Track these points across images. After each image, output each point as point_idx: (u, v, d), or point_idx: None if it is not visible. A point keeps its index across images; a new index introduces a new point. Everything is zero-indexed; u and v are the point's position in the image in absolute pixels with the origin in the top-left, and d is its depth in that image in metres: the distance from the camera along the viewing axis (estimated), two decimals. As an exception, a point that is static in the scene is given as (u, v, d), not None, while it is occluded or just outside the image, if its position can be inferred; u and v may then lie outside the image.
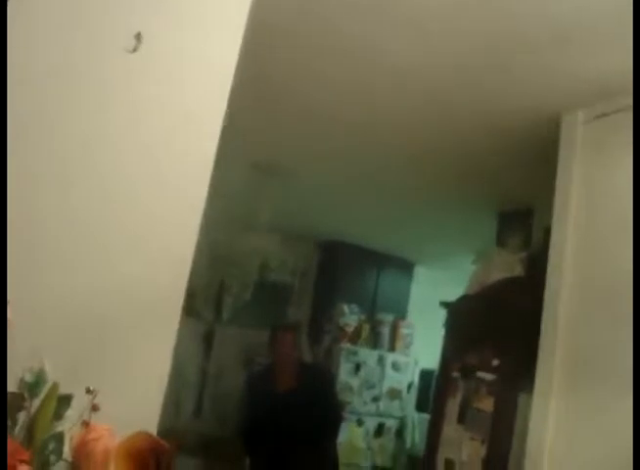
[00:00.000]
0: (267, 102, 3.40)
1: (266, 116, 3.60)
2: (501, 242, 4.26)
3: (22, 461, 0.97)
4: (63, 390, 1.23)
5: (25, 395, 1.20)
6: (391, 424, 6.16)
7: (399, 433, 6.19)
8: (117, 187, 1.50)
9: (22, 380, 1.21)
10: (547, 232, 3.04)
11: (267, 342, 4.50)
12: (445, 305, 4.12)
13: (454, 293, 4.09)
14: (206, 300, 6.11)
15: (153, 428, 1.44)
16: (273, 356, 4.37)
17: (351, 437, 5.78)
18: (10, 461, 0.94)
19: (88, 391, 1.19)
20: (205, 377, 6.05)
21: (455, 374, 3.72)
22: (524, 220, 4.04)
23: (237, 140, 3.72)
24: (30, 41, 1.42)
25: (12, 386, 1.21)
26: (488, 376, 3.45)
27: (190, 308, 5.81)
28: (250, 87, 3.03)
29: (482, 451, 3.35)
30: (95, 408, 1.19)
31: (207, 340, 6.12)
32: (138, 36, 1.50)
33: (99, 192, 1.47)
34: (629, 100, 2.50)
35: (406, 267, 6.84)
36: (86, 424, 1.15)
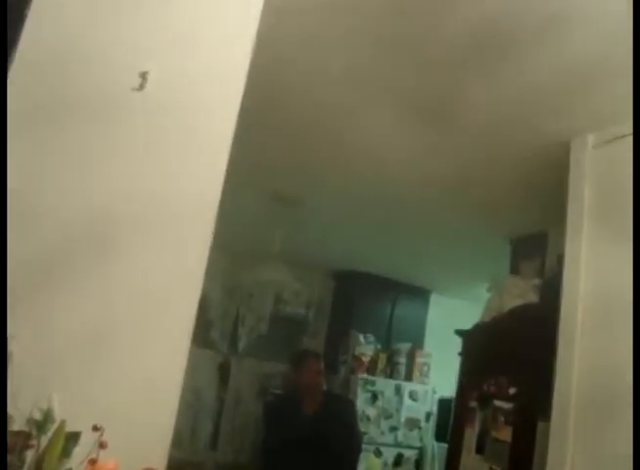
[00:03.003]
0: (282, 134, 3.43)
1: (281, 147, 3.63)
2: (515, 269, 4.24)
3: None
4: (70, 427, 1.23)
5: (34, 432, 1.20)
6: (410, 454, 6.08)
7: (418, 463, 6.10)
8: (124, 215, 1.52)
9: (30, 418, 1.21)
10: (561, 258, 3.02)
11: (291, 368, 4.47)
12: (460, 333, 4.09)
13: (471, 321, 4.06)
14: (222, 331, 6.12)
15: (162, 463, 1.43)
16: (298, 383, 4.30)
17: (370, 467, 5.71)
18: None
19: (95, 428, 1.19)
20: (222, 408, 6.02)
21: (473, 403, 3.68)
22: (537, 247, 4.02)
23: (252, 171, 3.77)
24: (36, 78, 1.45)
25: (21, 425, 1.21)
26: (506, 405, 3.41)
27: (206, 340, 5.83)
28: (264, 117, 3.07)
29: (502, 482, 3.30)
30: (102, 446, 1.19)
31: (223, 371, 6.11)
32: (144, 75, 1.53)
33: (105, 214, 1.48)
34: None
35: (422, 295, 6.81)
36: (93, 462, 1.15)
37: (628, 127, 2.63)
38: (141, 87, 1.53)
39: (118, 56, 1.56)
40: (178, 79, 1.65)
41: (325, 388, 5.43)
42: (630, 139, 2.62)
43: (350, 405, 4.54)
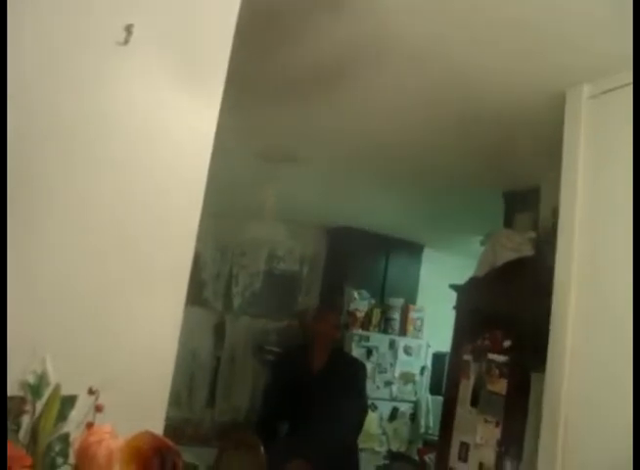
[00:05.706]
0: (271, 89, 3.36)
1: (271, 103, 3.56)
2: (509, 222, 4.22)
3: (23, 467, 0.95)
4: (65, 390, 1.21)
5: (28, 397, 1.18)
6: (405, 408, 6.15)
7: (413, 417, 6.18)
8: (112, 175, 1.48)
9: (23, 382, 1.19)
10: (555, 211, 3.00)
11: (309, 320, 4.48)
12: (455, 287, 4.10)
13: (465, 275, 4.07)
14: (216, 290, 6.12)
15: (159, 425, 1.42)
16: (313, 334, 4.27)
17: (366, 422, 5.77)
18: (12, 468, 0.93)
19: (91, 391, 1.17)
20: (218, 366, 6.06)
21: (467, 357, 3.71)
22: (531, 200, 4.00)
23: (242, 129, 3.71)
24: (20, 36, 1.40)
25: (14, 389, 1.19)
26: (500, 357, 3.44)
27: (200, 299, 5.83)
28: (251, 73, 3.01)
29: (497, 433, 3.34)
30: (99, 409, 1.18)
31: (219, 330, 6.12)
32: (129, 28, 1.47)
33: (93, 182, 1.45)
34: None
35: (415, 250, 6.81)
36: (90, 425, 1.13)
37: (625, 77, 2.58)
38: (126, 41, 1.48)
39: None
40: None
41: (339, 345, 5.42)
42: (627, 89, 2.58)
43: (361, 369, 4.47)
